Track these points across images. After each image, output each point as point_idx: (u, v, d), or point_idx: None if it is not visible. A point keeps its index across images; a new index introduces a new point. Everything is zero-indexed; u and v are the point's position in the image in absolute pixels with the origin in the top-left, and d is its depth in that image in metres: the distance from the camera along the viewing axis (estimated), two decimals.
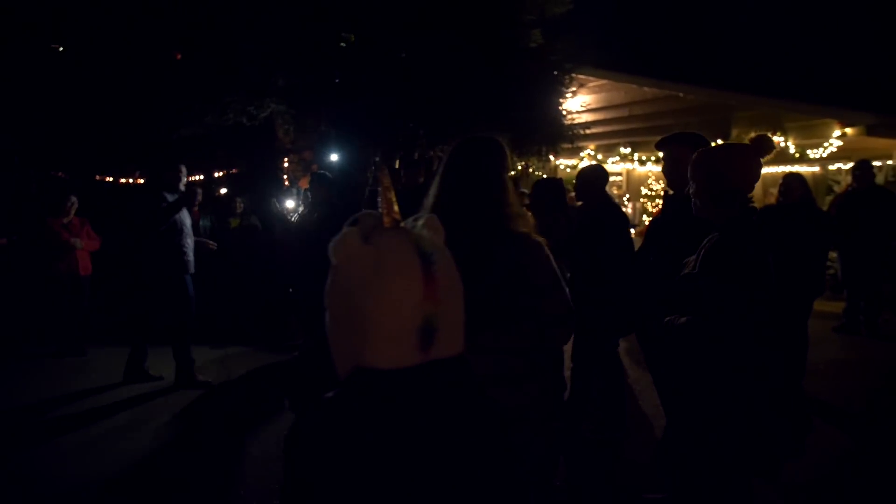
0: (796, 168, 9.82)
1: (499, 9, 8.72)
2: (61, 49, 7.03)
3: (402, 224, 1.01)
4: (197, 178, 8.85)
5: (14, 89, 7.89)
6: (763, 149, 2.26)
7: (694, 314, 2.16)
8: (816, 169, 10.56)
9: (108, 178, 10.37)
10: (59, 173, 11.25)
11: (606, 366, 4.42)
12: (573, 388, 4.62)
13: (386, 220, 1.00)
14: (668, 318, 2.26)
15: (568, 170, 14.17)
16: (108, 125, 7.54)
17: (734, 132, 10.72)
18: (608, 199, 4.44)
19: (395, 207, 1.00)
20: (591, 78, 12.31)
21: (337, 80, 6.84)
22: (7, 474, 4.01)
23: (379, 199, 1.04)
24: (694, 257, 2.27)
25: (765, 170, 8.34)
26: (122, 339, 6.22)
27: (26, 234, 7.51)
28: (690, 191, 2.33)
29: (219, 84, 6.26)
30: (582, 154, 13.58)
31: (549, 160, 11.38)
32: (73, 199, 6.75)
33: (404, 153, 7.61)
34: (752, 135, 2.31)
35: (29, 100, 8.31)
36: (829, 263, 7.95)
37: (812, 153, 10.15)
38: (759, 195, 9.49)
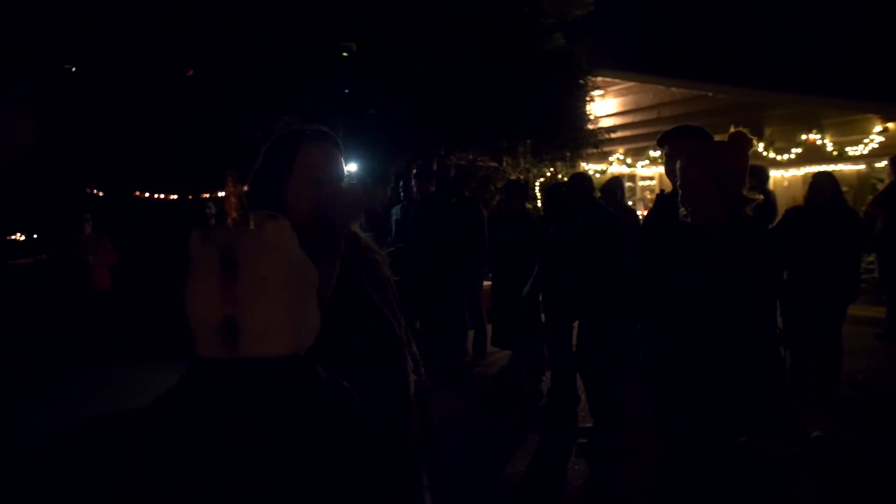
0: (835, 167, 9.39)
1: (517, 12, 8.60)
2: (73, 69, 7.19)
3: (245, 224, 1.07)
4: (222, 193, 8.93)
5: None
6: (747, 144, 2.10)
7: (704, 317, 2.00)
8: (862, 167, 10.05)
9: (144, 194, 10.60)
10: (95, 190, 11.56)
11: (596, 369, 4.30)
12: (556, 390, 4.56)
13: (229, 220, 1.08)
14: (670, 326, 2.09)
15: (597, 175, 13.90)
16: (131, 141, 7.67)
17: (767, 131, 10.33)
18: (594, 202, 4.47)
19: (236, 211, 1.07)
20: (616, 80, 12.09)
21: (346, 91, 6.82)
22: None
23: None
24: (696, 263, 2.10)
25: (802, 170, 7.89)
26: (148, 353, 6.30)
27: (55, 252, 7.75)
28: (684, 195, 2.14)
29: (232, 98, 6.30)
30: (611, 158, 13.30)
31: (575, 165, 11.16)
32: (87, 215, 6.92)
33: (422, 163, 7.53)
34: (732, 130, 2.14)
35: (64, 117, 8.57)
36: (868, 266, 7.54)
37: (852, 150, 9.67)
38: (785, 199, 9.08)
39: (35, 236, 13.43)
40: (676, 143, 2.65)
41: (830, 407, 4.86)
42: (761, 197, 2.13)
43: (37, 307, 8.06)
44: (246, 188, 1.62)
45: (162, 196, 9.23)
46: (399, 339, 1.69)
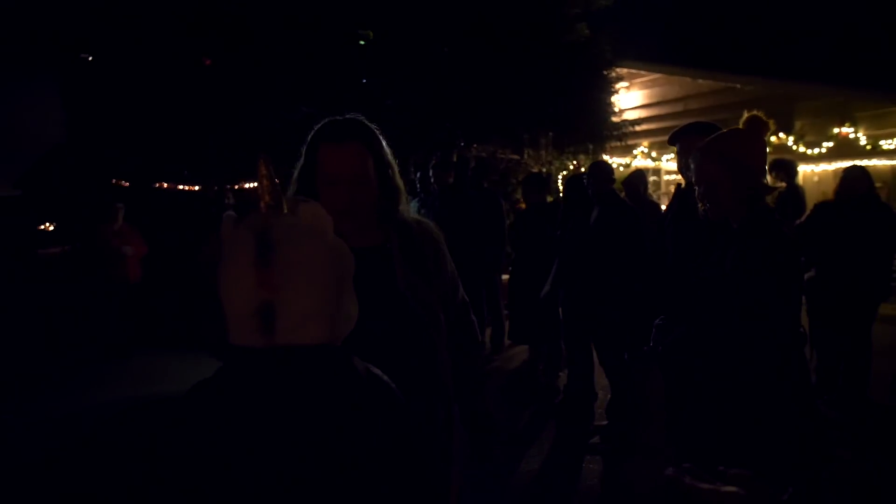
0: (869, 162, 9.10)
1: (540, 2, 8.47)
2: (90, 58, 7.26)
3: (279, 208, 1.06)
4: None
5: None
6: (762, 129, 1.99)
7: (724, 318, 1.90)
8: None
9: (164, 185, 10.71)
10: (121, 181, 11.72)
11: (615, 370, 4.23)
12: (573, 386, 4.50)
13: (262, 204, 1.06)
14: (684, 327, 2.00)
15: (621, 168, 13.69)
16: (154, 133, 7.73)
17: (798, 125, 10.05)
18: (613, 193, 4.37)
19: (268, 194, 1.05)
20: (642, 72, 11.86)
21: (364, 81, 6.77)
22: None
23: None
24: (717, 258, 2.00)
25: (833, 165, 7.65)
26: (167, 343, 6.36)
27: (82, 242, 7.83)
28: (701, 191, 2.04)
29: (251, 90, 6.30)
30: (635, 152, 13.08)
31: (598, 158, 11.00)
32: (121, 205, 6.95)
33: (441, 153, 7.46)
34: (745, 116, 2.02)
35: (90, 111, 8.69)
36: None
37: (887, 144, 9.36)
38: (815, 194, 8.83)
39: (56, 226, 13.67)
40: (688, 140, 2.57)
41: (857, 409, 4.69)
42: (783, 185, 2.03)
43: (64, 296, 8.17)
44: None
45: (183, 187, 9.31)
46: (427, 333, 1.65)
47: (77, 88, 8.79)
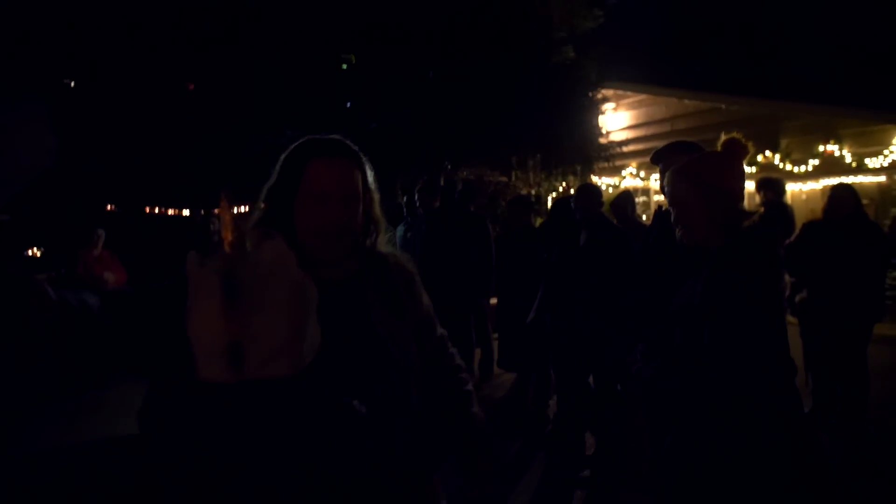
0: (855, 179, 9.10)
1: (526, 26, 8.49)
2: (73, 83, 7.19)
3: (243, 247, 1.12)
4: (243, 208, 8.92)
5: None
6: (741, 152, 1.90)
7: (697, 353, 1.78)
8: (882, 179, 9.74)
9: (157, 210, 10.59)
10: (112, 207, 11.60)
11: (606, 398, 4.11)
12: (562, 415, 4.36)
13: (225, 244, 1.18)
14: (660, 361, 1.88)
15: (610, 189, 13.68)
16: (139, 158, 7.64)
17: (783, 143, 10.07)
18: (602, 216, 4.29)
19: (230, 232, 1.00)
20: (628, 93, 11.92)
21: (349, 104, 6.72)
22: None
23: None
24: (691, 285, 1.89)
25: (819, 183, 7.63)
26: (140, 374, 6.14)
27: (65, 268, 7.66)
28: (674, 214, 1.94)
29: (234, 114, 6.23)
30: (623, 172, 13.08)
31: (587, 179, 10.98)
32: (101, 231, 6.81)
33: (427, 177, 7.38)
34: (723, 138, 1.94)
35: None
36: (894, 283, 7.23)
37: (871, 162, 9.37)
38: (804, 212, 8.82)
39: (44, 252, 13.51)
40: (671, 159, 2.49)
41: (858, 433, 4.58)
42: (761, 210, 1.93)
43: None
44: (245, 207, 1.52)
45: (168, 212, 9.20)
46: (393, 362, 1.51)
47: (67, 114, 8.72)
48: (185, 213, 10.41)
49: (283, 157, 1.52)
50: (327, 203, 1.44)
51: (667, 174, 2.05)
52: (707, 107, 10.88)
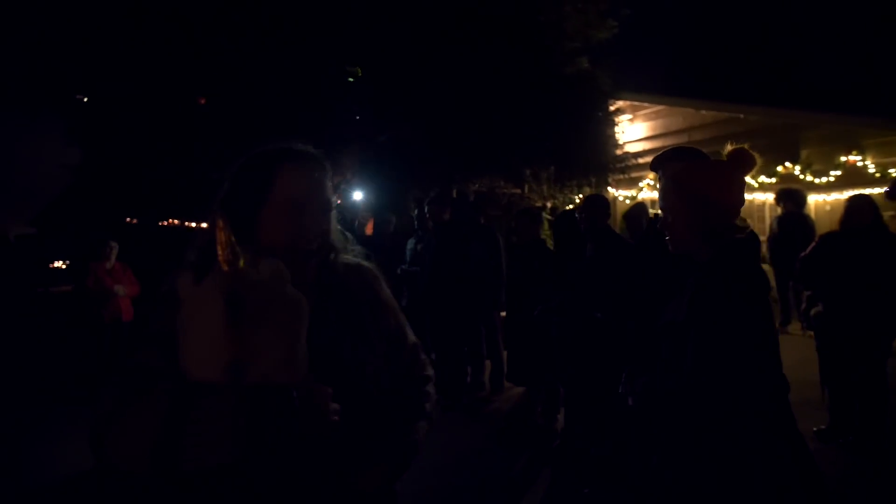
0: (880, 190, 8.88)
1: (539, 37, 8.48)
2: (85, 99, 7.35)
3: (238, 266, 1.10)
4: None
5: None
6: (745, 164, 1.83)
7: (681, 369, 1.73)
8: None
9: (173, 223, 10.76)
10: (132, 219, 11.81)
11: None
12: (570, 430, 4.26)
13: (221, 262, 1.10)
14: (645, 379, 1.82)
15: (627, 201, 13.55)
16: (156, 172, 7.75)
17: (804, 154, 9.89)
18: (607, 228, 4.20)
19: (225, 249, 1.09)
20: (644, 104, 11.82)
21: (357, 117, 6.76)
22: None
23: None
24: (678, 301, 1.84)
25: (844, 194, 7.43)
26: None
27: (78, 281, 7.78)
28: (664, 223, 1.89)
29: (243, 126, 6.30)
30: (640, 184, 12.96)
31: (601, 191, 10.89)
32: (114, 244, 6.90)
33: (440, 189, 7.38)
34: (729, 148, 1.87)
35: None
36: None
37: None
38: (828, 224, 8.61)
39: (68, 264, 13.79)
40: (670, 166, 2.42)
41: (878, 451, 4.42)
42: (749, 227, 1.87)
43: (58, 335, 8.09)
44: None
45: (179, 223, 9.32)
46: (344, 371, 1.43)
47: (87, 129, 8.92)
48: (204, 225, 10.52)
49: (240, 164, 1.43)
50: (303, 212, 1.37)
51: (661, 181, 2.01)
52: (725, 117, 10.74)
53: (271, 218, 1.36)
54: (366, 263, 1.62)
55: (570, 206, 11.28)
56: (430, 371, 1.69)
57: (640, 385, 1.79)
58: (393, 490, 1.59)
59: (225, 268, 1.10)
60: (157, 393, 1.15)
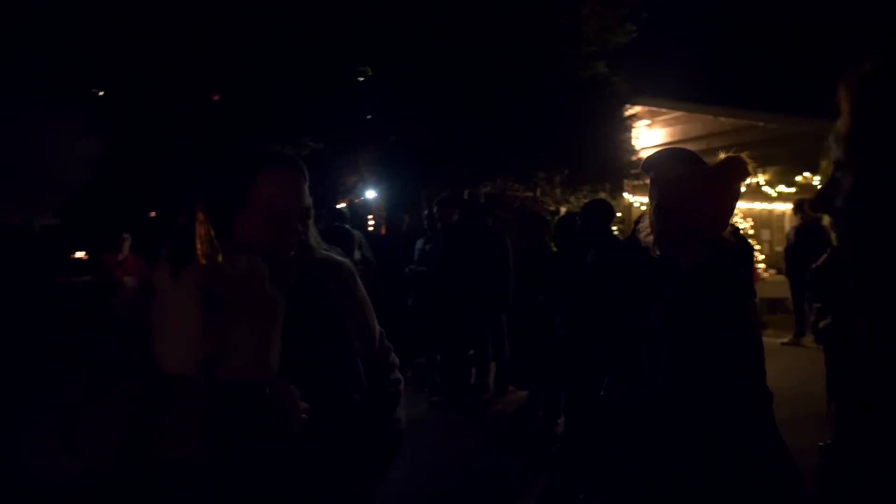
0: None
1: (555, 41, 8.45)
2: (101, 94, 7.47)
3: (217, 260, 1.10)
4: None
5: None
6: (735, 173, 1.79)
7: (657, 375, 1.71)
8: None
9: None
10: (152, 213, 11.97)
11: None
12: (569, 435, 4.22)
13: (199, 256, 1.09)
14: (622, 387, 1.81)
15: (643, 207, 13.44)
16: (171, 166, 7.86)
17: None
18: (609, 234, 4.18)
19: (204, 244, 1.09)
20: (663, 110, 11.71)
21: (369, 117, 6.79)
22: None
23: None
24: (657, 308, 1.82)
25: None
26: None
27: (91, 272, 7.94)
28: (652, 227, 1.87)
29: (257, 124, 6.36)
30: None
31: (617, 197, 10.80)
32: (127, 236, 7.01)
33: (449, 190, 7.38)
34: (722, 156, 1.83)
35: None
36: None
37: None
38: None
39: (89, 255, 14.04)
40: (663, 168, 2.38)
41: None
42: (733, 240, 1.83)
43: (72, 325, 8.23)
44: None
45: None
46: (322, 365, 1.43)
47: (109, 123, 9.07)
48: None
49: (213, 167, 1.39)
50: (284, 219, 1.34)
51: (655, 183, 1.97)
52: (744, 125, 10.62)
53: (249, 222, 1.33)
54: (342, 260, 1.60)
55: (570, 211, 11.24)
56: (395, 358, 1.70)
57: (620, 393, 1.78)
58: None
59: (203, 262, 1.10)
60: (126, 385, 1.15)
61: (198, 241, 1.12)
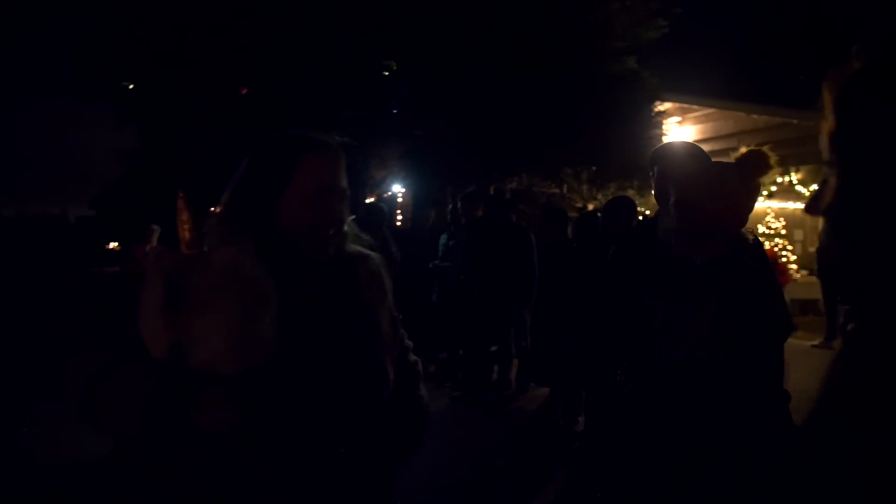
0: None
1: (584, 35, 8.37)
2: (131, 86, 7.61)
3: (194, 248, 1.14)
4: None
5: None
6: (757, 168, 1.77)
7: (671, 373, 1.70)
8: None
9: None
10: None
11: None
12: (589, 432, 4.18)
13: (182, 244, 1.28)
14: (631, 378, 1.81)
15: None
16: (199, 159, 7.99)
17: None
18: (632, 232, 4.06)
19: (188, 233, 1.05)
20: (694, 107, 11.53)
21: (395, 111, 6.81)
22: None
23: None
24: (667, 302, 1.81)
25: None
26: None
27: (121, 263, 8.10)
28: (664, 225, 1.87)
29: (285, 118, 6.43)
30: None
31: (645, 194, 10.69)
32: (156, 227, 7.15)
33: (476, 185, 7.39)
34: (743, 150, 1.81)
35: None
36: None
37: None
38: None
39: (121, 246, 14.37)
40: (670, 161, 2.36)
41: None
42: (752, 236, 1.82)
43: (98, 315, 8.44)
44: (224, 201, 1.51)
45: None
46: (381, 343, 1.50)
47: (141, 116, 9.27)
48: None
49: (258, 149, 1.44)
50: (328, 200, 1.38)
51: (677, 177, 1.95)
52: (777, 122, 10.40)
53: (292, 201, 1.37)
54: (371, 253, 1.62)
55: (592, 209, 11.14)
56: (409, 341, 1.72)
57: (634, 384, 1.78)
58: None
59: (183, 248, 1.15)
60: (88, 358, 1.20)
61: (179, 226, 1.19)
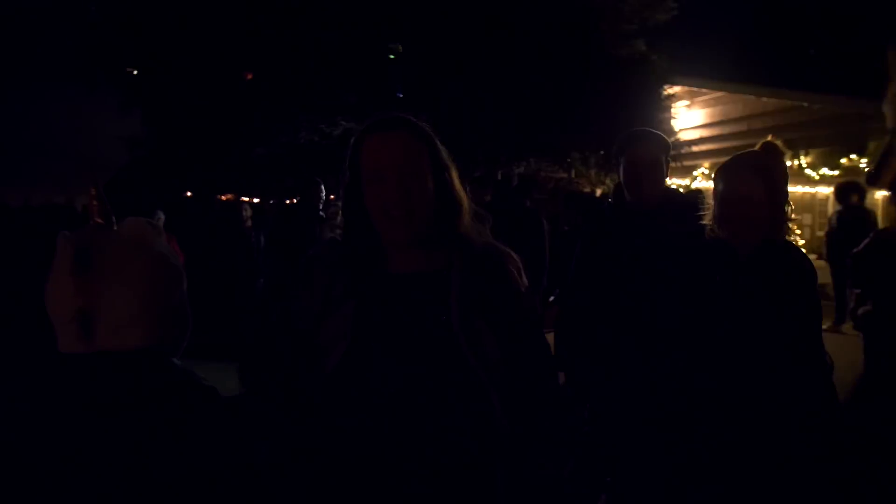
0: None
1: (593, 18, 8.31)
2: (135, 72, 7.60)
3: (106, 223, 1.18)
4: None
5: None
6: (779, 156, 1.85)
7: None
8: None
9: (222, 198, 11.11)
10: (188, 193, 12.22)
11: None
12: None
13: (92, 222, 1.17)
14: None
15: (680, 190, 13.21)
16: (204, 147, 7.99)
17: (871, 146, 9.39)
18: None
19: (98, 214, 1.17)
20: (703, 90, 11.44)
21: (400, 95, 6.78)
22: None
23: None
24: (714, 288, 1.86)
25: None
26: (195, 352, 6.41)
27: None
28: (731, 211, 1.87)
29: (290, 103, 6.41)
30: (695, 173, 12.60)
31: None
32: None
33: (484, 170, 7.36)
34: (761, 142, 1.89)
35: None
36: None
37: None
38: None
39: None
40: (638, 150, 2.37)
41: None
42: (794, 223, 1.89)
43: None
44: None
45: (234, 197, 9.59)
46: (477, 387, 1.33)
47: (145, 103, 9.25)
48: (256, 200, 10.89)
49: (352, 140, 1.43)
50: (383, 182, 1.34)
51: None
52: (788, 105, 10.30)
53: (366, 189, 1.37)
54: (500, 246, 1.55)
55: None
56: (561, 400, 1.61)
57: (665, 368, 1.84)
58: None
59: (93, 226, 1.17)
60: None
61: (91, 213, 1.19)
